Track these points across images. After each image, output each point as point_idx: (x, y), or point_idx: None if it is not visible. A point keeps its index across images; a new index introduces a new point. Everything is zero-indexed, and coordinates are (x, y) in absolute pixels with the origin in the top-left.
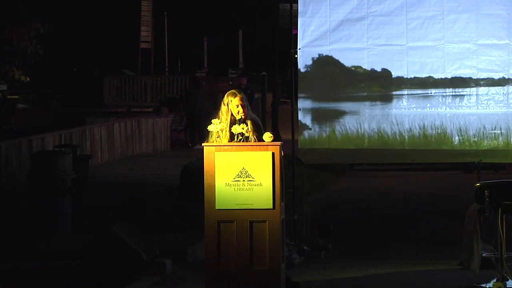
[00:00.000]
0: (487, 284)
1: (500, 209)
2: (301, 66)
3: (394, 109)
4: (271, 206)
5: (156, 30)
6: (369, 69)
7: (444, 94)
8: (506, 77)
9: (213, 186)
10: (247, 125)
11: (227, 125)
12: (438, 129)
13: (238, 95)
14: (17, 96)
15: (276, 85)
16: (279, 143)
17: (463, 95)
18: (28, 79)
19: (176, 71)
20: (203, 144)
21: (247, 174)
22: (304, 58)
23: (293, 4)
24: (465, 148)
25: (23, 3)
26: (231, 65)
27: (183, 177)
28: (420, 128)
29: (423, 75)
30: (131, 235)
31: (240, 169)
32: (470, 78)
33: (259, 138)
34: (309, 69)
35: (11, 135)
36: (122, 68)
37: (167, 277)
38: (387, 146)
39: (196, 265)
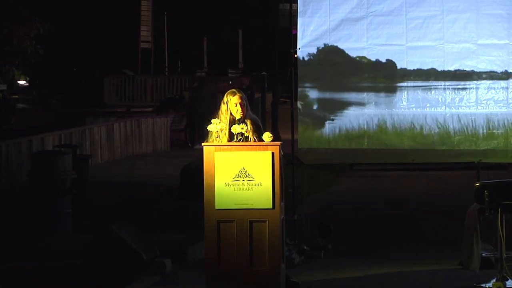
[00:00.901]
0: (487, 284)
1: (500, 209)
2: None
3: (394, 109)
4: (270, 206)
5: (156, 30)
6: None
7: (444, 94)
8: (506, 77)
9: (212, 186)
10: (246, 125)
11: (226, 124)
12: (438, 129)
13: (237, 93)
14: (17, 96)
15: (276, 85)
16: (278, 143)
17: (463, 95)
18: (28, 79)
19: (176, 71)
20: (202, 144)
21: (247, 174)
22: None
23: (293, 4)
24: (465, 148)
25: (23, 3)
26: (231, 65)
27: (183, 177)
28: (420, 128)
29: (422, 77)
30: (131, 235)
31: (239, 169)
32: (470, 78)
33: (259, 138)
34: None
35: (11, 135)
36: (122, 68)
37: (167, 277)
38: (387, 146)
39: (196, 265)
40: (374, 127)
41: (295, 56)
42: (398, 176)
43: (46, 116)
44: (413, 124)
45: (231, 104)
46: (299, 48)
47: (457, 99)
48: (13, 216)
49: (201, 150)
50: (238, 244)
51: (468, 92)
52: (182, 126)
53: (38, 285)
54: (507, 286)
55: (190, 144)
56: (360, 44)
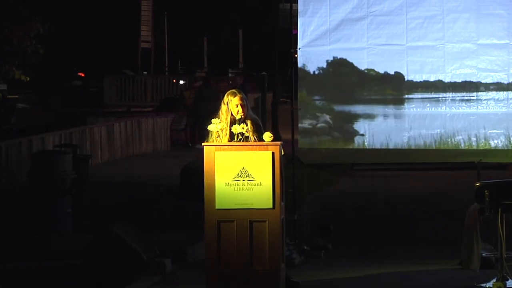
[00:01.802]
0: (487, 284)
1: (500, 209)
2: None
3: (393, 109)
4: (271, 206)
5: (156, 30)
6: (371, 69)
7: (444, 94)
8: (506, 77)
9: (213, 186)
10: (247, 125)
11: (227, 124)
12: (438, 129)
13: (238, 94)
14: (17, 96)
15: (276, 85)
16: (279, 142)
17: (463, 95)
18: (28, 78)
19: (176, 71)
20: (203, 144)
21: (247, 173)
22: (304, 58)
23: (293, 4)
24: (465, 148)
25: (23, 3)
26: (231, 65)
27: (183, 177)
28: (420, 128)
29: (423, 77)
30: (131, 235)
31: (240, 168)
32: (470, 78)
33: (259, 138)
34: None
35: (11, 135)
36: (122, 68)
37: (167, 277)
38: (387, 146)
39: (196, 265)
40: (376, 126)
41: (295, 56)
42: (398, 176)
43: (46, 116)
44: (413, 124)
45: (232, 105)
46: (299, 48)
47: (457, 99)
48: (13, 216)
49: (201, 150)
50: (238, 244)
51: (468, 92)
52: (182, 126)
53: (38, 285)
54: (507, 286)
55: (190, 144)
56: (361, 44)
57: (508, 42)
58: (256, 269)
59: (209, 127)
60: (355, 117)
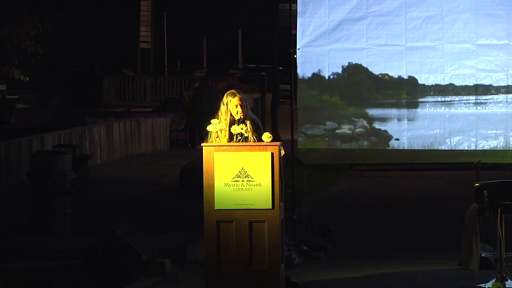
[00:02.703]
0: (486, 284)
1: (499, 209)
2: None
3: (393, 110)
4: (270, 206)
5: (155, 30)
6: (369, 68)
7: (444, 94)
8: (506, 77)
9: (212, 186)
10: (246, 125)
11: (226, 125)
12: (437, 130)
13: (238, 95)
14: (17, 96)
15: (275, 85)
16: (278, 143)
17: (462, 95)
18: (28, 78)
19: (175, 71)
20: (202, 144)
21: (246, 174)
22: (303, 58)
23: (293, 4)
24: (465, 148)
25: (23, 3)
26: (230, 64)
27: (183, 177)
28: (419, 129)
29: (422, 77)
30: (131, 235)
31: (239, 169)
32: (469, 78)
33: (259, 138)
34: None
35: (11, 135)
36: (122, 68)
37: (167, 277)
38: (386, 146)
39: (196, 265)
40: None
41: (295, 56)
42: (398, 176)
43: (46, 116)
44: (413, 124)
45: (231, 105)
46: (299, 49)
47: (456, 99)
48: (13, 216)
49: (200, 150)
50: (237, 244)
51: (467, 92)
52: (182, 126)
53: (38, 285)
54: (506, 286)
55: (189, 144)
56: (360, 45)
57: (507, 42)
58: (256, 270)
59: (209, 128)
60: (355, 117)
